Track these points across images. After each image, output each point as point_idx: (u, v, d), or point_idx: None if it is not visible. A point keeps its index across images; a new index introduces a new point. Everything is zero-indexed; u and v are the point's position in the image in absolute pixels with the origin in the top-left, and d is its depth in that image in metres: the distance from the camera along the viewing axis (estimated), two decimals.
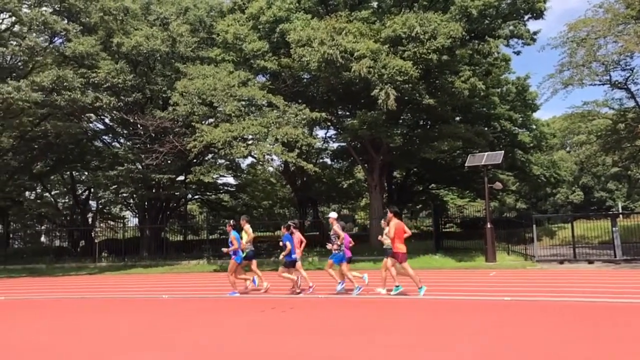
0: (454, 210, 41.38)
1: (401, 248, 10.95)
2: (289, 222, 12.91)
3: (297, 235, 12.75)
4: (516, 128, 32.46)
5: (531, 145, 33.48)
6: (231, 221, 13.51)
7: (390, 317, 9.04)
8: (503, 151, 22.74)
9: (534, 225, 21.14)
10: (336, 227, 11.86)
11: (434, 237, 24.87)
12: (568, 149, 56.58)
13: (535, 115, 35.32)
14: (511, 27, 23.47)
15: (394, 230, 10.94)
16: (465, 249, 23.09)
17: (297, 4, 23.27)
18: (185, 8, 26.23)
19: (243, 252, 12.71)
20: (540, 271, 16.73)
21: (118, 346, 7.29)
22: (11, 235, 32.73)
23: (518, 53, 26.15)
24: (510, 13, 22.23)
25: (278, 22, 22.45)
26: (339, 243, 11.75)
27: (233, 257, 12.65)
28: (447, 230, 35.96)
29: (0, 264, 24.98)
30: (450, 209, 40.27)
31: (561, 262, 19.20)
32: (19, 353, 7.02)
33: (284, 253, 12.22)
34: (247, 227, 12.93)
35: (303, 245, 13.13)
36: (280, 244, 12.59)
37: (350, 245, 12.48)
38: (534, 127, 34.50)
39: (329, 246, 12.11)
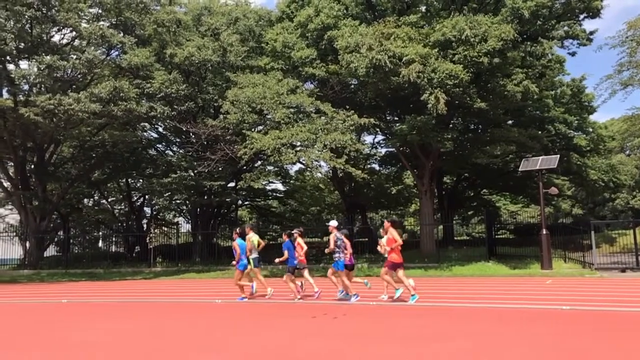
0: (506, 216, 40.37)
1: (395, 257, 11.31)
2: (293, 231, 13.15)
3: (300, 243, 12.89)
4: (571, 131, 31.38)
5: (588, 148, 32.33)
6: (237, 229, 13.79)
7: (449, 325, 8.87)
8: (558, 155, 21.97)
9: (592, 232, 20.32)
10: (332, 237, 12.07)
11: (487, 243, 24.31)
12: (628, 152, 54.16)
13: (592, 117, 34.14)
14: (566, 28, 22.69)
15: (399, 237, 11.38)
16: (520, 256, 22.42)
17: (344, 11, 23.34)
18: (235, 18, 26.79)
19: (249, 260, 12.83)
20: (601, 279, 16.05)
21: (178, 348, 7.48)
22: (71, 241, 34.11)
23: (573, 54, 24.92)
24: (565, 13, 21.58)
25: (326, 29, 22.56)
26: (327, 250, 12.05)
27: (236, 265, 12.90)
28: (500, 236, 35.09)
29: (62, 268, 26.09)
30: (502, 214, 39.28)
31: (623, 270, 18.36)
32: (84, 352, 7.30)
33: (280, 259, 12.67)
34: (250, 235, 13.00)
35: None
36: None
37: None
38: (591, 129, 33.27)
39: (335, 256, 12.19)
